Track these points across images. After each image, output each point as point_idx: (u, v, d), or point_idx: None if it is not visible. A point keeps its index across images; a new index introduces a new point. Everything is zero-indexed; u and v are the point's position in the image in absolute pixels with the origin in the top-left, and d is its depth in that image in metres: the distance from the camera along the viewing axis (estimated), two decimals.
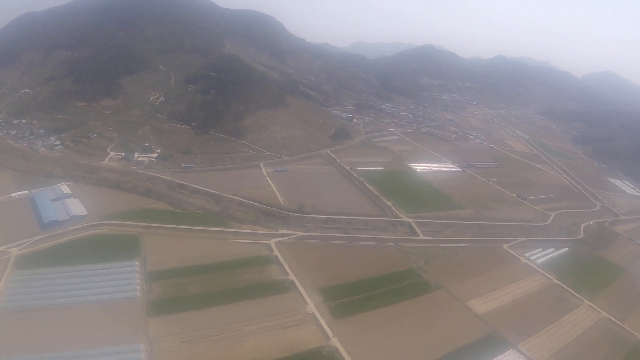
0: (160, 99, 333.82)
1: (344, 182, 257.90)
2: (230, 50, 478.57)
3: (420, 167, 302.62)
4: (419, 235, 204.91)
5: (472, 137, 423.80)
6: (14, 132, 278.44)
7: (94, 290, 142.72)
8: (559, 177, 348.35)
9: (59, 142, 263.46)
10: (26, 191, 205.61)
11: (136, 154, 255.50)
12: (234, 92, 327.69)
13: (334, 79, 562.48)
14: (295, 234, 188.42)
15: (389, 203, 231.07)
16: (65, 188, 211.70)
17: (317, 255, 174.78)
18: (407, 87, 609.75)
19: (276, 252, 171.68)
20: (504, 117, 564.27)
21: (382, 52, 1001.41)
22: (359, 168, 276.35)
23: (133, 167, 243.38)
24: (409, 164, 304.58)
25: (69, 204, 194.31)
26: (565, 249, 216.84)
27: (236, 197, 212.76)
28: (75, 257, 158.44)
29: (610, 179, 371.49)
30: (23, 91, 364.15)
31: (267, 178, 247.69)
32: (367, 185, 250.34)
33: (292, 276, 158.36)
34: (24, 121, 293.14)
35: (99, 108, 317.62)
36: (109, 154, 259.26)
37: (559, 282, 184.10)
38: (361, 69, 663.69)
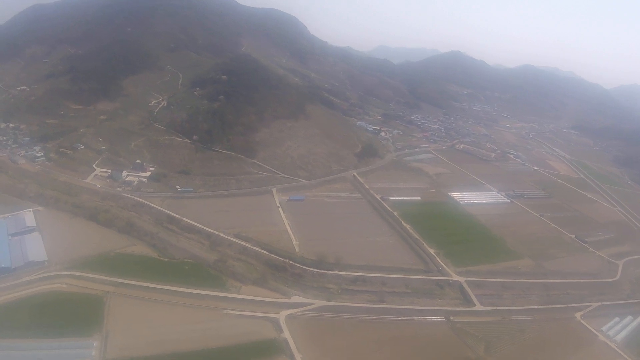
0: (162, 103, 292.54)
1: (375, 218, 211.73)
2: (247, 50, 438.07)
3: (463, 197, 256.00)
4: (474, 305, 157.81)
5: (512, 156, 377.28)
6: None
7: None
8: (613, 210, 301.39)
9: (42, 154, 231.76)
10: None
11: (124, 173, 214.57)
12: (247, 99, 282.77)
13: (359, 84, 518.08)
14: (313, 304, 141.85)
15: (432, 251, 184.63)
16: (30, 218, 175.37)
17: (343, 342, 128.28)
18: (436, 96, 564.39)
19: (286, 334, 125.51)
20: (538, 132, 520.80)
21: (405, 57, 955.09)
22: (391, 198, 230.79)
23: (119, 189, 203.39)
24: (449, 193, 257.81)
25: (28, 243, 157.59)
26: None
27: (238, 241, 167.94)
28: (15, 327, 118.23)
29: None
30: (19, 89, 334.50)
31: (280, 210, 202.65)
32: (403, 223, 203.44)
33: None
34: (11, 125, 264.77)
35: (94, 112, 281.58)
36: (94, 170, 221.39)
37: None
38: (387, 74, 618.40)
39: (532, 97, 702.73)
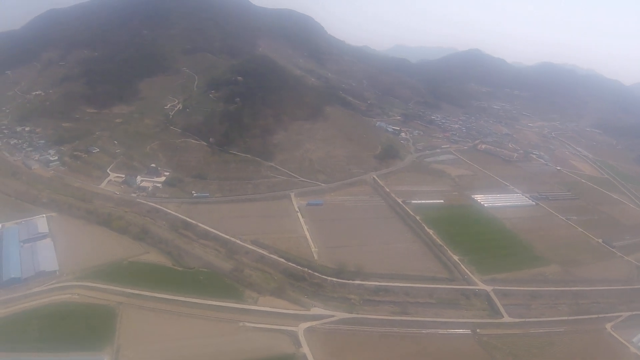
0: (178, 106, 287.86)
1: (396, 223, 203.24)
2: (264, 51, 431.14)
3: (487, 199, 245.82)
4: (502, 316, 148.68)
5: (535, 156, 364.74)
6: (14, 141, 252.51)
7: None
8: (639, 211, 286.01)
9: (56, 158, 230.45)
10: None
11: (139, 178, 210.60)
12: (264, 101, 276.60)
13: (377, 84, 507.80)
14: (334, 316, 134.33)
15: (456, 258, 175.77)
16: (42, 224, 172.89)
17: (364, 357, 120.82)
18: (456, 95, 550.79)
19: (305, 349, 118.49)
20: (560, 131, 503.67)
21: (423, 55, 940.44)
22: (413, 201, 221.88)
23: (133, 195, 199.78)
24: (472, 195, 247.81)
25: (39, 251, 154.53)
26: None
27: (255, 248, 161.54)
28: (24, 340, 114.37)
29: None
30: (35, 93, 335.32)
31: (299, 214, 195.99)
32: (426, 228, 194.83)
33: None
34: (27, 129, 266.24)
35: (110, 116, 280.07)
36: (109, 175, 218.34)
37: None
38: (405, 73, 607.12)
39: (552, 95, 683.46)
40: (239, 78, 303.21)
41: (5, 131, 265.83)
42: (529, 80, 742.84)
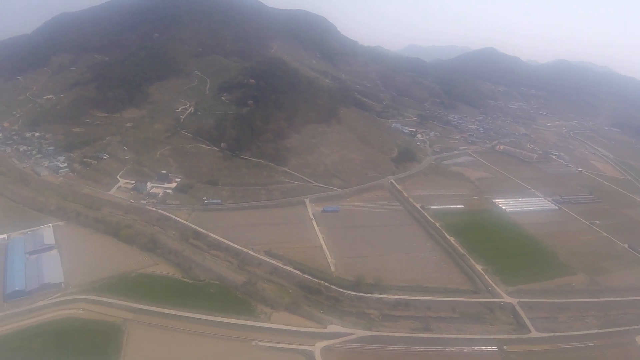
0: (189, 109, 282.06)
1: (416, 230, 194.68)
2: (276, 53, 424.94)
3: (508, 204, 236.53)
4: (529, 331, 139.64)
5: (554, 157, 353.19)
6: (23, 147, 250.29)
7: None
8: None
9: (65, 164, 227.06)
10: (4, 235, 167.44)
11: (149, 184, 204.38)
12: (276, 104, 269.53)
13: (392, 85, 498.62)
14: (352, 334, 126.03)
15: (479, 267, 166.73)
16: (49, 234, 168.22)
17: None
18: (471, 95, 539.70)
19: None
20: (578, 131, 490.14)
21: (436, 55, 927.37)
22: (432, 207, 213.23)
23: (143, 202, 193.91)
24: (493, 200, 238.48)
25: (45, 263, 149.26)
26: None
27: (268, 259, 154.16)
28: (26, 358, 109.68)
29: None
30: (46, 97, 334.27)
31: (314, 222, 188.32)
32: (447, 235, 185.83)
33: None
34: (37, 134, 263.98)
35: (120, 120, 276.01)
36: (118, 181, 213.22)
37: None
38: (419, 73, 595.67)
39: (568, 94, 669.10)
40: (251, 80, 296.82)
41: (15, 137, 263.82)
42: (545, 78, 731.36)
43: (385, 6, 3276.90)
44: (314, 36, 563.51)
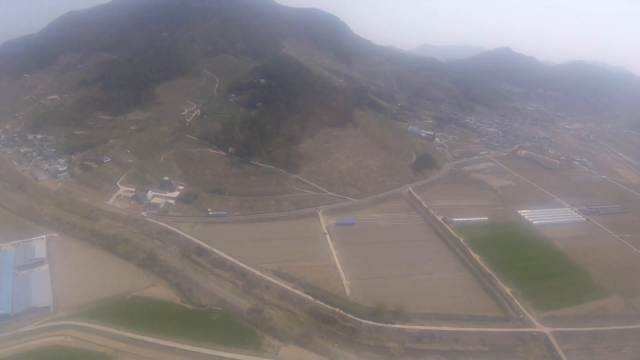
0: (196, 111, 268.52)
1: (438, 246, 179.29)
2: (288, 52, 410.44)
3: (534, 215, 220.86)
4: None
5: (577, 163, 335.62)
6: (24, 149, 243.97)
7: None
8: None
9: (65, 168, 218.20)
10: None
11: (150, 193, 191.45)
12: (288, 105, 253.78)
13: (407, 85, 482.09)
14: None
15: (508, 290, 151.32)
16: (40, 247, 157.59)
17: None
18: (488, 96, 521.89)
19: None
20: (598, 134, 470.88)
21: (449, 55, 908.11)
22: (454, 219, 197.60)
23: (143, 213, 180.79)
24: (518, 211, 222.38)
25: (34, 281, 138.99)
26: None
27: (277, 281, 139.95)
28: None
29: None
30: (50, 97, 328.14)
31: (327, 237, 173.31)
32: (472, 253, 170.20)
33: None
34: (38, 136, 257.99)
35: (124, 123, 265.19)
36: (118, 188, 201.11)
37: None
38: (434, 73, 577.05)
39: (585, 95, 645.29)
40: (262, 80, 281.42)
41: (17, 139, 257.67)
42: (561, 79, 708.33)
43: (397, 5, 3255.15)
44: (327, 35, 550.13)
